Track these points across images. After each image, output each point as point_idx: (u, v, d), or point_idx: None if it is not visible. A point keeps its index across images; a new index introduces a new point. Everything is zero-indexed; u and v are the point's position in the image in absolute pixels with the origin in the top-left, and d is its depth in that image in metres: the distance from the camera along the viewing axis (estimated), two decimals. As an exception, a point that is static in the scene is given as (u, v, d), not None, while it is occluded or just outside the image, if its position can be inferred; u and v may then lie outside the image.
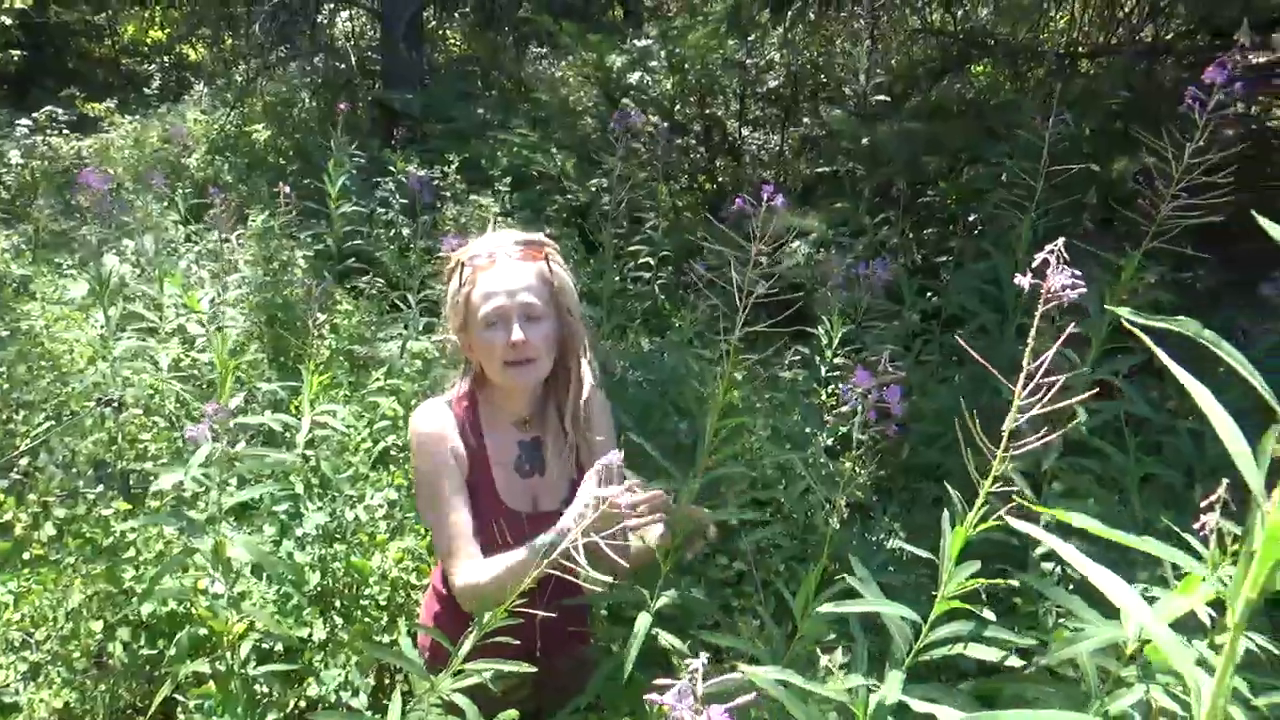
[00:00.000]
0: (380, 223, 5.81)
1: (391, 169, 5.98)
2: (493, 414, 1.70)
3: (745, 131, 7.49)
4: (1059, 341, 0.84)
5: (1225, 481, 1.14)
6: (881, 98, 6.08)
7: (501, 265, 1.63)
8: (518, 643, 1.36)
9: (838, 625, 1.40)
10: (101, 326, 3.56)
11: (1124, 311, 0.71)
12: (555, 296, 1.67)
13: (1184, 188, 1.89)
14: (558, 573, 1.25)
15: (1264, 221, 0.71)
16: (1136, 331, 0.71)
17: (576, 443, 1.73)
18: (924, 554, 1.20)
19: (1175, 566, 1.40)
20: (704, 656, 0.75)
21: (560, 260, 1.71)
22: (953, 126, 4.63)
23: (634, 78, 7.09)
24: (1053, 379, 0.88)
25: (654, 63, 7.06)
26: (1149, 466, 2.21)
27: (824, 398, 3.30)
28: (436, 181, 5.72)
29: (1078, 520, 0.73)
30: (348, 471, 3.04)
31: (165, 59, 12.94)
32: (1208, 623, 1.18)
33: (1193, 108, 1.80)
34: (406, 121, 7.70)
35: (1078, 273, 0.90)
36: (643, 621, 1.60)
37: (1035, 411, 0.90)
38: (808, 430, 3.15)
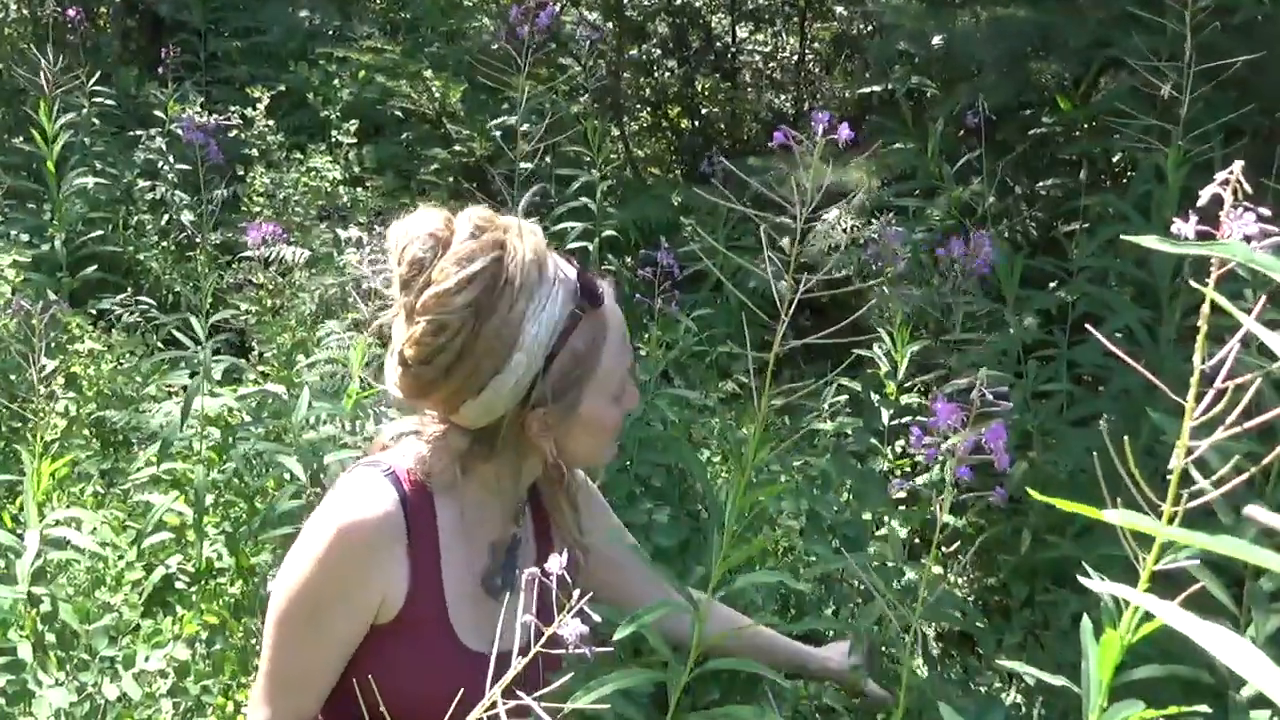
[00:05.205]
0: (143, 204, 5.80)
1: (160, 114, 5.98)
2: (470, 511, 1.72)
3: (741, 33, 7.59)
4: (1246, 325, 0.87)
5: None
6: (960, -30, 6.23)
7: (609, 301, 1.73)
8: None
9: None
10: None
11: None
12: None
13: None
14: None
15: None
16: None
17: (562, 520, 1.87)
18: (1060, 681, 1.24)
19: None
20: None
21: None
22: (1077, 11, 4.74)
23: (555, -48, 7.17)
24: (1238, 380, 0.91)
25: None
26: None
27: (889, 460, 3.33)
28: (236, 132, 5.72)
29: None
30: (105, 618, 3.03)
31: None
32: None
33: None
34: (182, 36, 7.71)
35: (1265, 212, 0.94)
36: None
37: (1216, 438, 0.94)
38: (865, 515, 3.17)
